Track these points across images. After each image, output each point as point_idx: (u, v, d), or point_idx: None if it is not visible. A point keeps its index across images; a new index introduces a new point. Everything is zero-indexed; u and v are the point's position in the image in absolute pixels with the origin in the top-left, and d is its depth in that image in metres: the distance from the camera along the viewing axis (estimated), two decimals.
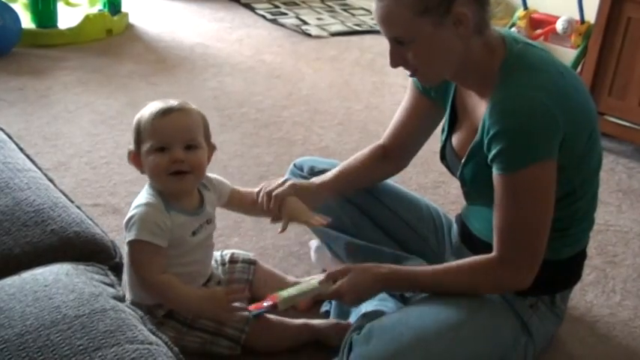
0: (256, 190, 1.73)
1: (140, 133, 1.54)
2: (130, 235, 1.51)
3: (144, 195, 1.57)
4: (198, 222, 1.60)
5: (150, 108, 1.55)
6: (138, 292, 1.58)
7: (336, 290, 1.53)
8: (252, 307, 1.61)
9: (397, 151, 1.79)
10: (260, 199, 1.70)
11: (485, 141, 1.40)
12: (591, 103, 1.48)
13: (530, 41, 1.50)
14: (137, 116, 1.56)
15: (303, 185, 1.73)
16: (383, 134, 1.81)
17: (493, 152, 1.38)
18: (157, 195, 1.55)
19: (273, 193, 1.67)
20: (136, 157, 1.56)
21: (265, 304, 1.59)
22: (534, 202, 1.41)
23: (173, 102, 1.55)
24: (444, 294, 1.52)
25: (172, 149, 1.51)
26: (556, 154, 1.38)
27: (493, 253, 1.46)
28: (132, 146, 1.57)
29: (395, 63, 1.45)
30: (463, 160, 1.53)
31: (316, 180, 1.76)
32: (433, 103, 1.67)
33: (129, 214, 1.53)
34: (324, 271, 1.92)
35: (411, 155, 1.83)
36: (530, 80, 1.38)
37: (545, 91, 1.36)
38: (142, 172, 1.57)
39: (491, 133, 1.37)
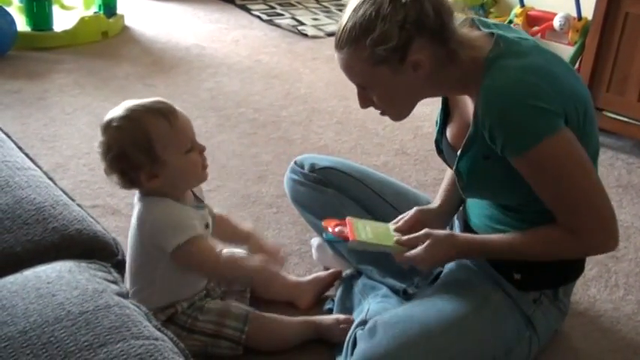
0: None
1: (155, 147, 1.44)
2: (171, 244, 1.47)
3: (149, 206, 1.51)
4: (205, 218, 1.58)
5: (141, 120, 1.44)
6: (143, 297, 1.55)
7: (413, 258, 1.52)
8: (328, 225, 1.64)
9: None
10: None
11: (487, 135, 1.38)
12: (580, 82, 1.47)
13: (518, 36, 1.47)
14: (126, 139, 1.43)
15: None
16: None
17: (500, 142, 1.36)
18: (165, 198, 1.51)
19: None
20: (152, 177, 1.48)
21: (340, 229, 1.61)
22: (569, 169, 1.37)
23: (144, 102, 1.48)
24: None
25: (195, 144, 1.52)
26: (562, 123, 1.35)
27: (560, 225, 1.43)
28: (139, 173, 1.46)
29: (364, 105, 1.50)
30: (458, 154, 1.51)
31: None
32: None
33: (151, 229, 1.48)
34: (325, 269, 1.91)
35: None
36: (515, 63, 1.37)
37: (531, 70, 1.36)
38: (155, 187, 1.48)
39: (489, 124, 1.36)
